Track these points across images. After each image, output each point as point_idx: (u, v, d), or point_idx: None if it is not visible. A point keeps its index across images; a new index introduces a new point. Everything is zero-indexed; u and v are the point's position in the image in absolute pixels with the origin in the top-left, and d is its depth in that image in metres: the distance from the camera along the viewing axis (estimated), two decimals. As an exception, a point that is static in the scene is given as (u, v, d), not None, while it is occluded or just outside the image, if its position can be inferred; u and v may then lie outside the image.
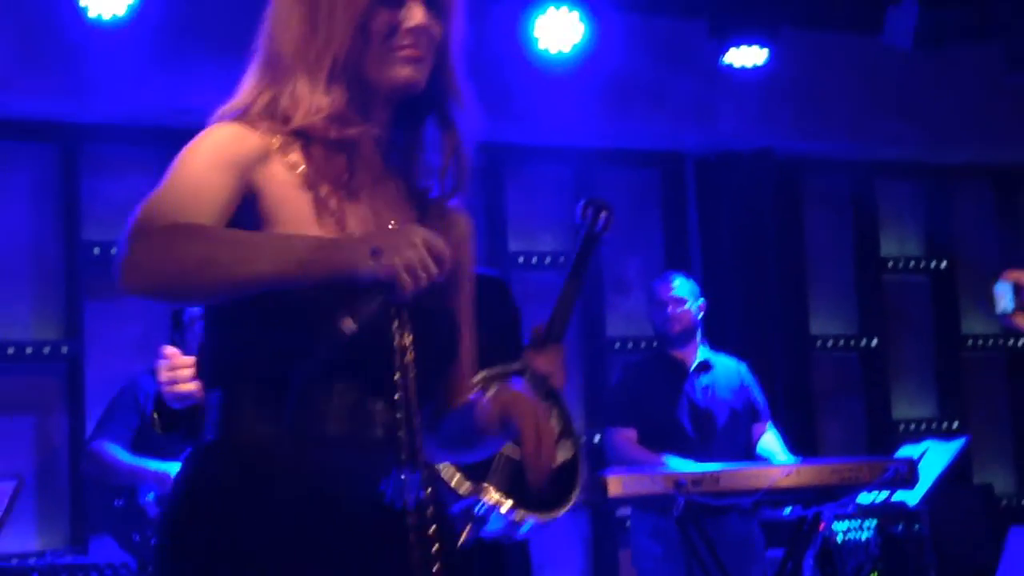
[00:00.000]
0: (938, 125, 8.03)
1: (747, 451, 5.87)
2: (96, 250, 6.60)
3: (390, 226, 2.11)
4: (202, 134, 2.14)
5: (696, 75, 7.24)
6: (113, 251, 6.57)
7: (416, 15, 2.15)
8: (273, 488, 2.05)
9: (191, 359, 3.42)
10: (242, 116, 2.16)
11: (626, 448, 5.80)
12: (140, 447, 5.52)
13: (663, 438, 5.77)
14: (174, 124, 6.51)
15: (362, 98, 2.17)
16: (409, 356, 2.10)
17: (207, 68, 6.16)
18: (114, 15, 5.66)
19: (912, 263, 8.54)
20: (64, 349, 6.53)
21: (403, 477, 2.07)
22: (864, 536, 6.12)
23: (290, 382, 2.05)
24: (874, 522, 6.12)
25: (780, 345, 7.70)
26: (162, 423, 3.56)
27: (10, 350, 6.44)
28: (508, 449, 3.79)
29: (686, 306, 5.95)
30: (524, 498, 3.83)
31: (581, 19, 6.44)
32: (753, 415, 5.95)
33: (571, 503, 4.01)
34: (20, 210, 6.61)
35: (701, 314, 6.00)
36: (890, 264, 8.45)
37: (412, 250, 1.94)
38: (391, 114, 2.20)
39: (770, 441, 5.91)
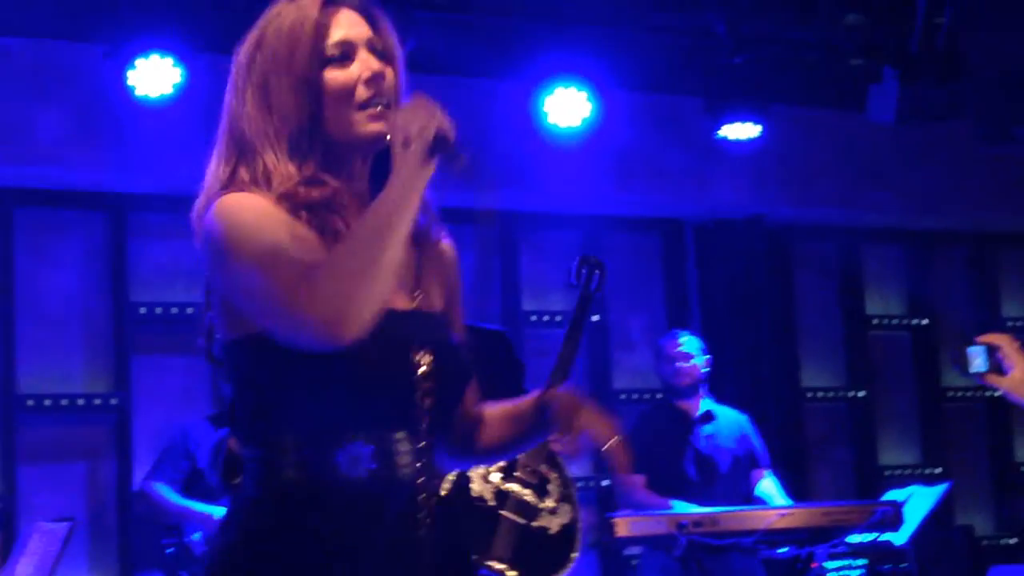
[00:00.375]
0: (918, 194, 8.04)
1: (748, 496, 5.85)
2: (142, 310, 6.62)
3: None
4: (232, 206, 2.02)
5: (694, 148, 7.26)
6: (158, 310, 6.61)
7: (370, 64, 2.08)
8: (311, 536, 1.99)
9: None
10: (242, 186, 2.08)
11: (635, 493, 5.79)
12: (189, 490, 5.56)
13: (670, 483, 5.75)
14: (215, 194, 6.55)
15: (336, 157, 2.08)
16: (427, 391, 2.06)
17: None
18: (160, 94, 5.70)
19: (895, 321, 8.52)
20: (113, 401, 6.54)
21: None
22: (855, 574, 6.08)
23: (322, 431, 2.00)
24: (864, 561, 6.08)
25: (773, 397, 7.67)
26: (227, 473, 3.51)
27: (64, 402, 6.45)
28: (510, 513, 3.74)
29: (692, 361, 5.95)
30: (527, 563, 3.77)
31: (588, 97, 6.46)
32: (753, 462, 5.94)
33: (571, 566, 3.95)
34: (73, 273, 6.63)
35: (706, 368, 6.00)
36: (875, 322, 8.43)
37: (411, 109, 1.98)
38: (371, 164, 2.12)
39: (768, 486, 5.89)
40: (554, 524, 3.82)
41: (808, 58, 6.71)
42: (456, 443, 2.25)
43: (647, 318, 7.78)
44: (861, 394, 8.24)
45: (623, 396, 7.59)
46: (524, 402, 2.25)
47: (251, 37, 2.14)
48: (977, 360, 3.33)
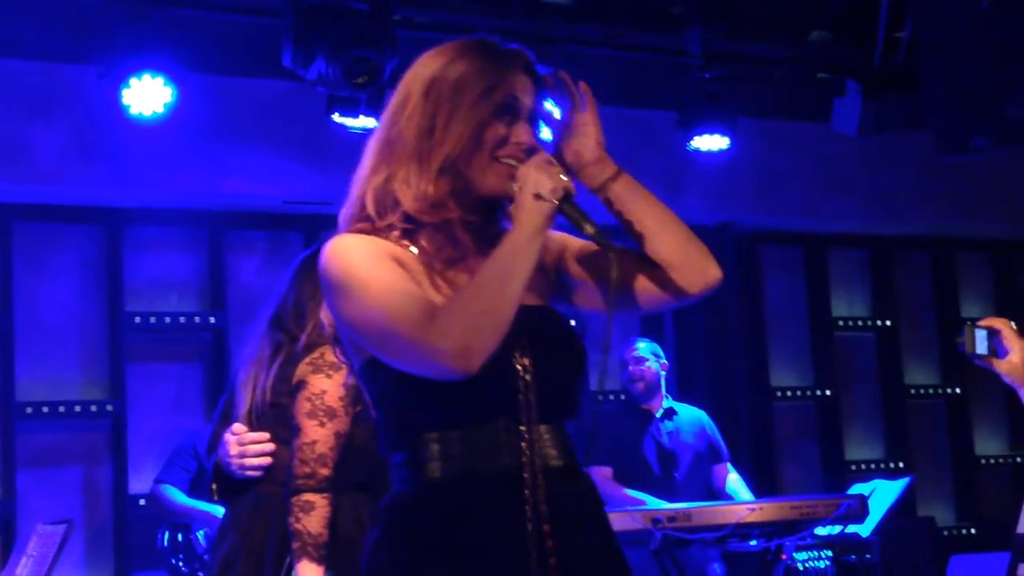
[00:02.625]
0: (881, 201, 8.08)
1: (708, 488, 5.93)
2: (137, 319, 6.61)
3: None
4: (344, 248, 2.13)
5: (666, 159, 7.29)
6: (152, 320, 6.61)
7: (523, 135, 2.19)
8: (457, 526, 2.08)
9: (263, 435, 3.37)
10: (358, 223, 2.18)
11: (603, 484, 5.86)
12: (196, 490, 5.62)
13: (634, 476, 5.85)
14: (206, 207, 6.55)
15: (462, 193, 2.17)
16: (528, 377, 2.13)
17: (235, 159, 6.21)
18: (153, 112, 5.69)
19: (860, 322, 8.55)
20: (109, 408, 6.53)
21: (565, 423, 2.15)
22: (822, 565, 6.10)
23: (457, 430, 2.10)
24: (830, 552, 6.11)
25: (744, 396, 7.71)
26: (220, 491, 3.51)
27: (61, 408, 6.44)
28: None
29: (646, 364, 6.06)
30: None
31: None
32: (714, 456, 6.02)
33: None
34: (70, 285, 6.63)
35: (663, 372, 6.10)
36: (840, 323, 8.47)
37: (543, 174, 2.09)
38: (489, 208, 2.22)
39: (735, 481, 5.97)
40: None
41: (775, 73, 6.74)
42: (666, 288, 2.38)
43: (622, 322, 7.80)
44: (828, 393, 8.27)
45: (599, 397, 7.59)
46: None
47: (433, 64, 2.21)
48: (980, 343, 3.36)
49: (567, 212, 2.11)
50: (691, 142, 6.68)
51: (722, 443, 6.06)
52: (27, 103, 6.12)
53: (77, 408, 6.46)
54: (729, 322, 7.78)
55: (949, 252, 8.81)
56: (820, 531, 5.61)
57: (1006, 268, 8.98)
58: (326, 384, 3.31)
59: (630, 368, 6.09)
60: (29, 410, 6.37)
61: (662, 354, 6.20)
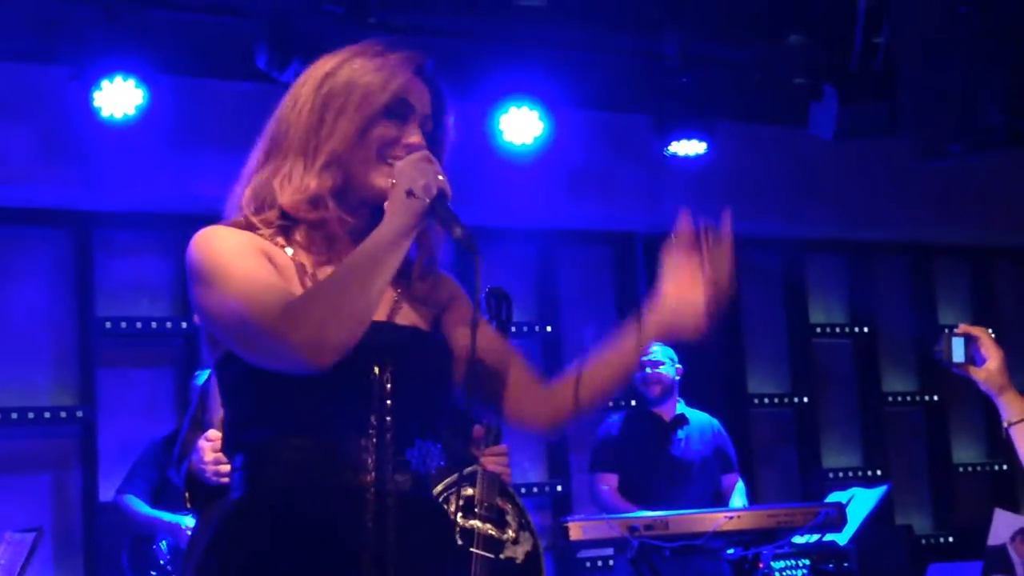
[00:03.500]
0: (858, 207, 8.10)
1: (717, 497, 5.88)
2: (108, 324, 6.57)
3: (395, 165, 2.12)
4: (211, 238, 2.12)
5: (643, 165, 7.29)
6: (123, 325, 6.56)
7: (414, 136, 2.17)
8: (290, 536, 2.04)
9: None
10: (235, 220, 2.18)
11: (606, 496, 5.83)
12: (159, 500, 5.58)
13: (642, 484, 5.79)
14: (177, 211, 6.51)
15: (345, 192, 2.16)
16: (387, 395, 2.09)
17: (207, 161, 6.17)
18: (124, 114, 5.67)
19: (837, 329, 8.57)
20: (79, 414, 6.48)
21: (427, 447, 2.11)
22: (800, 574, 6.10)
23: (302, 438, 2.06)
24: (808, 561, 6.11)
25: (721, 403, 7.70)
26: (193, 499, 3.51)
27: (30, 415, 6.39)
28: (479, 550, 3.73)
29: (662, 369, 5.98)
30: None
31: (540, 116, 6.48)
32: (725, 466, 5.99)
33: None
34: (39, 289, 6.58)
35: (678, 376, 6.04)
36: (818, 330, 8.48)
37: (422, 164, 2.07)
38: (371, 210, 2.17)
39: (736, 492, 5.96)
40: (519, 553, 3.84)
41: (752, 78, 6.74)
42: (536, 416, 2.34)
43: (599, 328, 7.77)
44: (805, 400, 8.28)
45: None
46: (619, 339, 2.37)
47: (328, 64, 2.21)
48: (957, 350, 3.36)
49: (438, 212, 2.07)
50: (668, 148, 6.68)
51: (732, 452, 6.03)
52: (-4, 105, 6.08)
53: (47, 414, 6.41)
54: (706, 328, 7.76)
55: (927, 258, 8.84)
56: (798, 539, 5.61)
57: (984, 274, 9.01)
58: None
59: (648, 371, 5.99)
60: (-2, 416, 6.32)
61: (676, 358, 6.12)
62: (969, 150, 5.64)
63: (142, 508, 5.59)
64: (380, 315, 2.12)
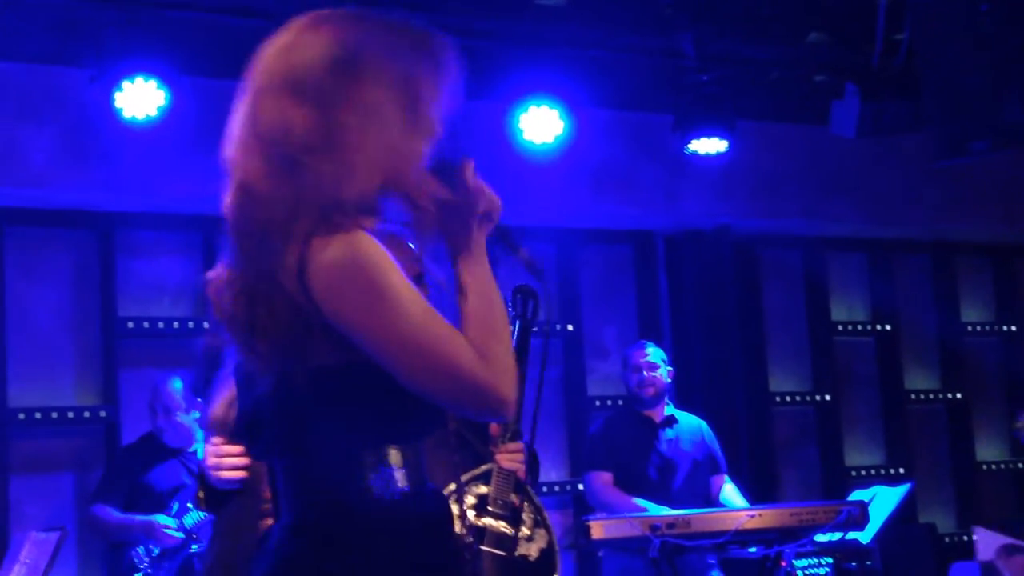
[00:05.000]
0: (880, 204, 8.08)
1: (705, 498, 5.89)
2: (130, 324, 6.60)
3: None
4: (369, 257, 1.92)
5: (663, 163, 7.29)
6: (146, 325, 6.59)
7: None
8: (412, 540, 2.02)
9: (238, 448, 3.34)
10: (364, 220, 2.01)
11: (602, 491, 5.86)
12: (132, 506, 5.61)
13: (633, 482, 5.82)
14: (199, 212, 6.54)
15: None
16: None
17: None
18: (146, 115, 5.69)
19: (859, 327, 8.55)
20: (102, 414, 6.51)
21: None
22: (822, 572, 6.10)
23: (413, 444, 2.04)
24: (830, 559, 6.10)
25: (743, 401, 7.70)
26: (207, 501, 3.53)
27: (54, 415, 6.42)
28: (490, 548, 3.74)
29: (657, 372, 6.00)
30: None
31: (561, 115, 6.48)
32: (713, 467, 5.99)
33: None
34: (62, 290, 6.61)
35: (669, 380, 6.07)
36: (840, 328, 8.46)
37: (481, 196, 2.05)
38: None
39: (729, 491, 5.94)
40: (533, 551, 3.84)
41: (773, 75, 6.74)
42: None
43: (620, 327, 7.80)
44: (827, 398, 8.26)
45: (597, 403, 7.60)
46: None
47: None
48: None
49: (505, 235, 2.10)
50: (688, 145, 6.68)
51: (720, 454, 6.03)
52: (18, 106, 6.10)
53: (70, 414, 6.44)
54: (728, 325, 7.77)
55: (949, 255, 8.81)
56: (820, 538, 5.60)
57: (1006, 271, 8.98)
58: None
59: (644, 374, 6.01)
60: (22, 416, 6.36)
61: (668, 360, 6.16)
62: (992, 147, 5.62)
63: (115, 514, 5.61)
64: None
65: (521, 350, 3.75)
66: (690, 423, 6.04)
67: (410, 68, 2.06)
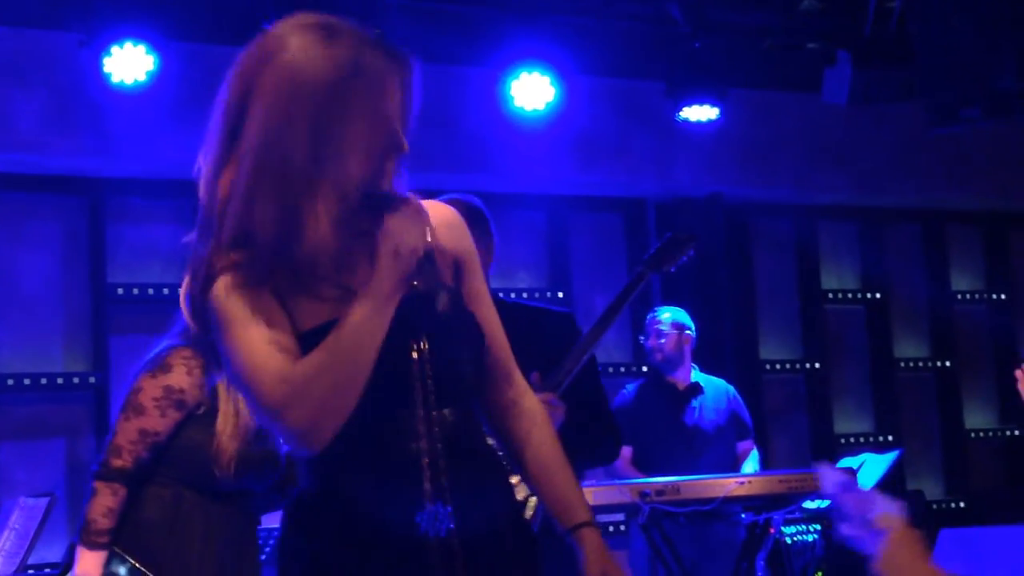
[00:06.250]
0: (871, 173, 8.07)
1: (732, 465, 5.89)
2: (120, 291, 6.59)
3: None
4: (223, 298, 2.08)
5: (654, 130, 7.27)
6: (135, 291, 6.57)
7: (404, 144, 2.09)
8: (359, 518, 2.05)
9: None
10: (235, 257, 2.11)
11: (617, 467, 5.83)
12: None
13: (657, 455, 5.80)
14: (189, 177, 6.51)
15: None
16: (427, 366, 2.07)
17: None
18: (135, 80, 5.67)
19: (850, 295, 8.56)
20: (92, 379, 6.51)
21: (436, 510, 2.04)
22: (810, 539, 6.12)
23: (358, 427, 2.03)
24: (819, 526, 6.13)
25: (733, 369, 7.70)
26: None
27: (43, 381, 6.42)
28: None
29: (667, 337, 5.97)
30: None
31: (552, 82, 6.46)
32: (740, 431, 5.99)
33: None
34: (52, 256, 6.59)
35: (686, 343, 6.02)
36: (830, 296, 8.47)
37: (422, 228, 1.98)
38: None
39: (749, 459, 5.96)
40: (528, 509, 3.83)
41: (765, 43, 6.71)
42: (491, 422, 2.26)
43: (610, 294, 7.77)
44: (817, 366, 8.28)
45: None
46: (567, 503, 2.23)
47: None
48: None
49: (426, 274, 2.01)
50: (680, 112, 6.67)
51: (748, 418, 6.02)
52: (7, 71, 6.08)
53: (60, 380, 6.44)
54: (718, 294, 7.77)
55: (940, 224, 8.81)
56: (809, 505, 5.62)
57: (997, 240, 8.99)
58: (145, 383, 3.52)
59: (651, 340, 6.00)
60: (11, 382, 6.35)
61: (690, 324, 6.09)
62: (984, 115, 5.62)
63: None
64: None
65: (618, 302, 3.73)
66: (715, 388, 6.04)
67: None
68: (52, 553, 5.93)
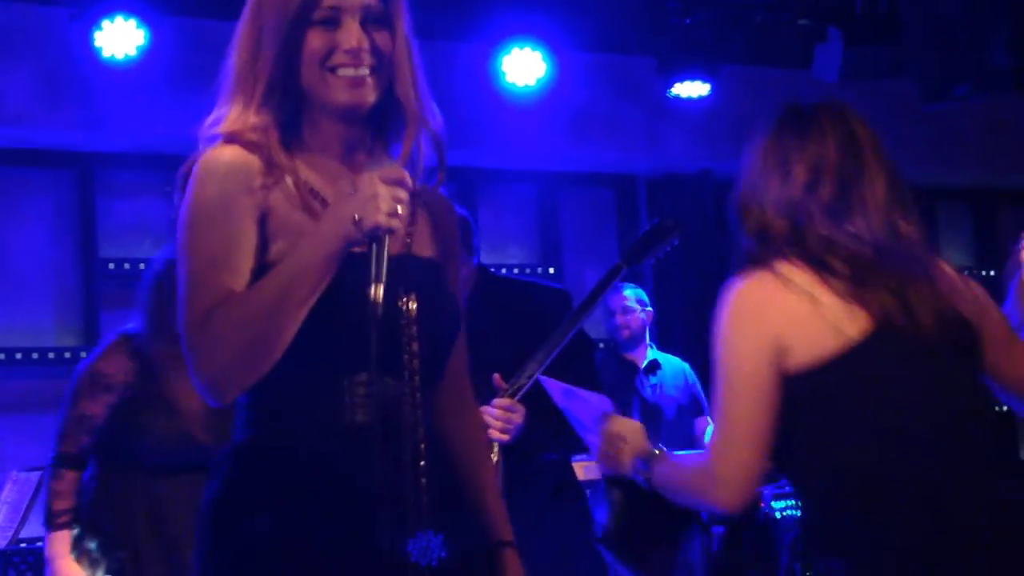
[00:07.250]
0: (861, 149, 8.06)
1: (691, 442, 5.91)
2: (111, 265, 6.58)
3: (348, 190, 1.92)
4: (203, 171, 2.06)
5: (646, 106, 7.26)
6: (126, 266, 6.57)
7: (351, 37, 2.00)
8: (306, 480, 1.95)
9: None
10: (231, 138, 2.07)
11: None
12: None
13: None
14: (180, 151, 6.50)
15: (311, 120, 2.07)
16: (414, 335, 1.99)
17: (209, 102, 6.15)
18: (126, 54, 5.66)
19: (839, 271, 8.55)
20: (82, 354, 6.46)
21: (428, 539, 1.93)
22: (799, 514, 6.14)
23: (315, 376, 1.96)
24: (808, 501, 6.14)
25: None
26: None
27: (34, 355, 6.41)
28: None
29: (632, 314, 6.00)
30: None
31: (543, 57, 6.45)
32: (697, 409, 6.00)
33: None
34: (42, 231, 6.58)
35: (648, 321, 6.05)
36: (820, 272, 8.46)
37: (379, 199, 1.86)
38: (353, 126, 2.07)
39: (707, 436, 5.97)
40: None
41: (756, 19, 6.71)
42: (441, 404, 2.13)
43: (601, 270, 7.77)
44: (806, 341, 8.28)
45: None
46: (493, 518, 2.17)
47: None
48: None
49: (373, 256, 1.86)
50: (671, 88, 6.66)
51: (703, 396, 6.05)
52: (-3, 45, 6.05)
53: (50, 355, 6.43)
54: (708, 268, 7.76)
55: (930, 200, 8.82)
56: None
57: (986, 216, 9.00)
58: (82, 370, 3.84)
59: (617, 317, 6.01)
60: (2, 356, 6.34)
61: (648, 301, 6.13)
62: (974, 92, 5.62)
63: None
64: (397, 246, 1.98)
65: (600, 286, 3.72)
66: (673, 367, 6.05)
67: None
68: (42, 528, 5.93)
